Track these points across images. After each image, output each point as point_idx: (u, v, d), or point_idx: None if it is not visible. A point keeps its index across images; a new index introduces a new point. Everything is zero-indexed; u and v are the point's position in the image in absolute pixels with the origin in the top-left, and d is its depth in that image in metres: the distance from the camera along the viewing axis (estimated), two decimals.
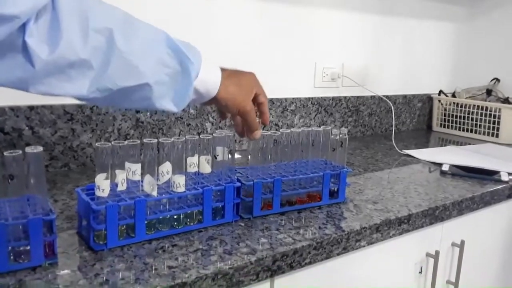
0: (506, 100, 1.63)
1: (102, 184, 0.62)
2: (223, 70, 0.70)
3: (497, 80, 1.76)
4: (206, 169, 0.73)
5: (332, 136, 0.85)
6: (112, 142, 0.64)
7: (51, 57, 0.52)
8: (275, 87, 1.34)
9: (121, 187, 0.65)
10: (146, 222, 0.66)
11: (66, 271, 0.57)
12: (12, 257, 0.57)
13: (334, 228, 0.75)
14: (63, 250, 0.62)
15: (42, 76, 0.53)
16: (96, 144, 0.62)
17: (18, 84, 0.53)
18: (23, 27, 0.50)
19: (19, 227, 0.57)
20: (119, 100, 0.62)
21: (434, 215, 0.89)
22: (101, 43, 0.56)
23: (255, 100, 0.75)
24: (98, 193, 0.63)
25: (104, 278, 0.56)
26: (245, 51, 1.27)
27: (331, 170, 0.85)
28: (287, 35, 1.35)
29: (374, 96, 1.59)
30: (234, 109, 0.71)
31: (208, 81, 0.67)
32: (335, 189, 0.87)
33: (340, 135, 0.85)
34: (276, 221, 0.77)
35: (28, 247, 0.57)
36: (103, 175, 0.63)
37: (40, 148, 0.57)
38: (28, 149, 0.57)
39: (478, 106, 1.65)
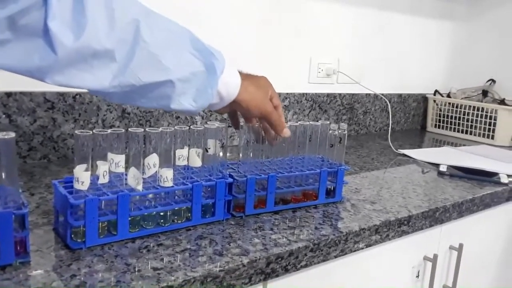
0: (502, 102, 1.61)
1: (82, 176, 0.57)
2: (239, 71, 0.66)
3: (493, 81, 1.74)
4: (196, 162, 0.68)
5: (330, 132, 0.81)
6: (94, 131, 0.58)
7: (75, 44, 0.47)
8: None
9: (103, 180, 0.59)
10: (129, 218, 0.60)
11: (39, 271, 0.52)
12: None
13: (331, 229, 0.70)
14: (37, 248, 0.56)
15: (63, 65, 0.49)
16: (76, 132, 0.57)
17: (35, 72, 0.49)
18: (44, 8, 0.45)
19: None
20: (138, 97, 0.58)
21: (435, 217, 0.85)
22: (128, 34, 0.52)
23: None
24: (77, 186, 0.57)
25: (81, 279, 0.50)
26: (237, 44, 1.21)
27: (328, 167, 0.80)
28: (281, 29, 1.30)
29: (369, 94, 1.55)
30: (256, 111, 0.68)
31: (230, 82, 0.64)
32: (332, 188, 0.82)
33: (339, 131, 0.80)
34: (270, 220, 0.72)
35: None
36: (83, 166, 0.57)
37: (13, 134, 0.52)
38: None
39: (474, 107, 1.62)
